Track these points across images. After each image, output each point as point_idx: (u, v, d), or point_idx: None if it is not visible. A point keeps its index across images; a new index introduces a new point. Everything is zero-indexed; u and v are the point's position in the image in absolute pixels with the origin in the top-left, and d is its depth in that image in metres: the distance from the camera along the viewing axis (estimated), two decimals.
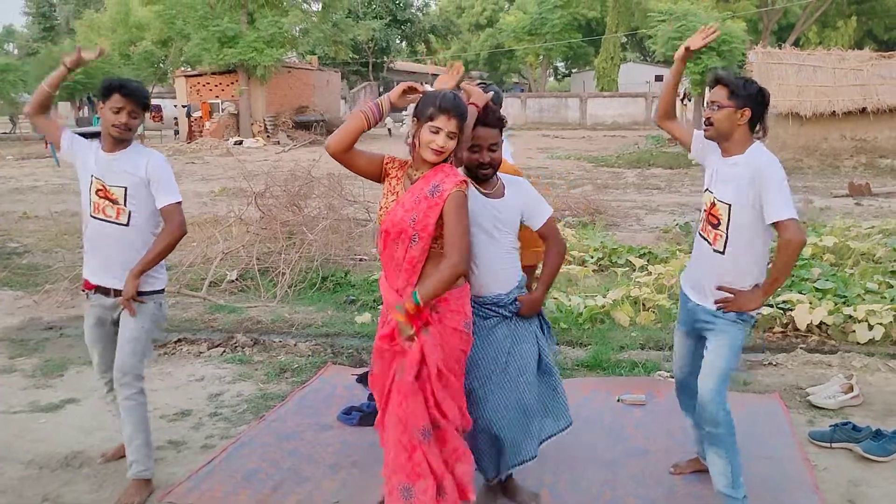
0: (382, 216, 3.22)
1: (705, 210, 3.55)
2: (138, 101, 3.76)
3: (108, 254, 3.86)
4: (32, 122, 4.04)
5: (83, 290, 4.03)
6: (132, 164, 3.82)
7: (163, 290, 4.02)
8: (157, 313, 3.97)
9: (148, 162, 3.83)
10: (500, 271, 3.49)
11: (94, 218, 3.86)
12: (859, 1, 42.40)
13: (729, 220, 3.39)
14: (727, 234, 3.41)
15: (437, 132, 3.08)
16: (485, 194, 3.44)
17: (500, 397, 3.43)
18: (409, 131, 3.20)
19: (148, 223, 3.88)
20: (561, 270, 3.82)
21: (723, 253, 3.44)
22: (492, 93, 3.58)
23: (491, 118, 3.41)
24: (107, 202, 3.82)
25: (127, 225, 3.83)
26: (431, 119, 3.07)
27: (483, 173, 3.42)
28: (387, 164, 3.30)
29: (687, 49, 3.66)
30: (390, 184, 3.27)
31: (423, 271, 3.14)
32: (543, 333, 3.64)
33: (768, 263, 3.49)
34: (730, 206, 3.39)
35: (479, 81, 4.53)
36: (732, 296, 3.39)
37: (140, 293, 3.83)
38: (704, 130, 3.47)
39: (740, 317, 3.44)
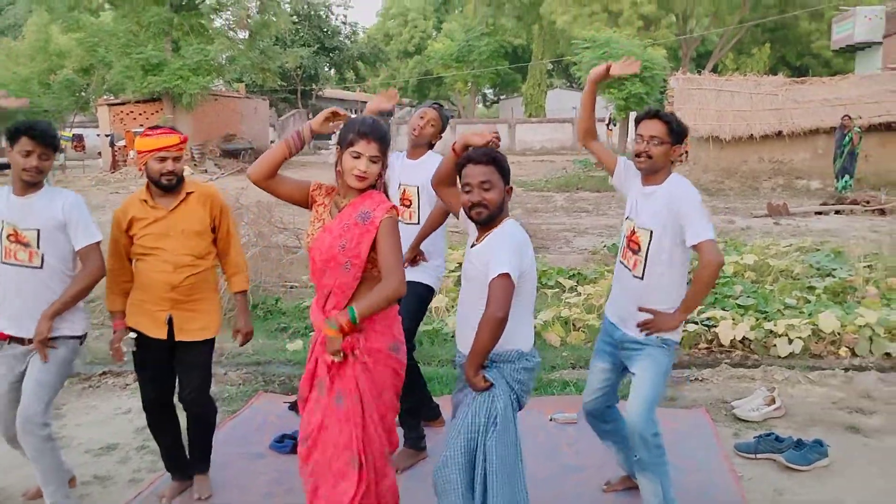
0: (310, 243, 3.21)
1: (626, 237, 3.65)
2: (48, 142, 3.64)
3: (23, 300, 3.70)
4: None
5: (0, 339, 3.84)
6: (46, 207, 3.69)
7: (81, 336, 3.84)
8: (68, 359, 3.77)
9: (64, 203, 3.72)
10: (461, 324, 3.29)
11: (6, 264, 3.71)
12: (772, 29, 44.05)
13: (649, 245, 3.51)
14: (646, 260, 3.52)
15: (357, 157, 3.08)
16: (473, 243, 3.27)
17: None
18: (334, 159, 3.20)
19: (63, 265, 3.75)
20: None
21: (641, 278, 3.54)
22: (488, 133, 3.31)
23: (477, 154, 3.16)
24: (18, 246, 3.67)
25: (41, 268, 3.69)
26: (352, 144, 3.08)
27: (475, 213, 3.15)
28: (313, 191, 3.29)
29: (607, 69, 3.71)
30: (317, 211, 3.26)
31: (354, 296, 3.12)
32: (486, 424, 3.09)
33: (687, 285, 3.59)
34: (651, 231, 3.50)
35: (432, 103, 4.56)
36: (652, 317, 3.46)
37: (53, 338, 3.67)
38: (639, 162, 3.55)
39: (665, 342, 3.52)
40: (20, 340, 3.73)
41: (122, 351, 3.92)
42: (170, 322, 3.88)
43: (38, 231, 3.67)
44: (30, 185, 3.69)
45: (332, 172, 3.24)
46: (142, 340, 3.94)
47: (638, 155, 3.53)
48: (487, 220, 3.17)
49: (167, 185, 3.82)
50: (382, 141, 3.12)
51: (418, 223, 4.40)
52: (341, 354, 3.04)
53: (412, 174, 4.45)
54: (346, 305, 3.09)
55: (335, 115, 3.24)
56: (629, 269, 3.62)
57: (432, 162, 4.38)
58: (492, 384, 3.11)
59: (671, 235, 3.46)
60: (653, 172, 3.56)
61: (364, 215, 3.10)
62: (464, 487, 3.09)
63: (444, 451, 3.17)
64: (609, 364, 3.78)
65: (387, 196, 3.24)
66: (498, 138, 3.25)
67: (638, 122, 3.61)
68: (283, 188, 3.26)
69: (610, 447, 4.00)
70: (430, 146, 4.54)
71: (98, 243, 3.77)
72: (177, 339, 3.89)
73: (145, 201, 3.87)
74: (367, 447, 3.14)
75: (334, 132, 3.28)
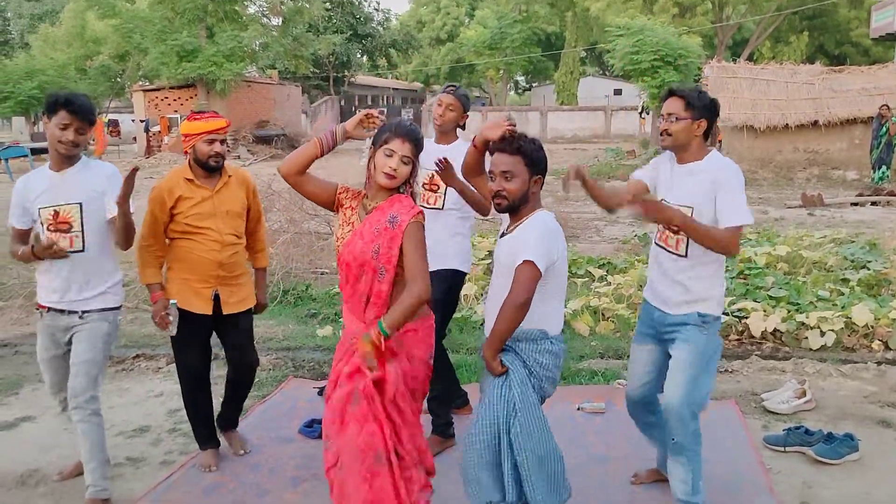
0: (340, 248, 3.22)
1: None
2: (85, 117, 3.70)
3: (68, 279, 3.79)
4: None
5: (37, 309, 3.96)
6: (87, 178, 3.79)
7: (118, 307, 3.99)
8: (111, 333, 3.93)
9: (105, 173, 3.84)
10: (488, 312, 3.29)
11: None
12: (811, 17, 43.38)
13: None
14: (689, 238, 3.47)
15: (391, 155, 3.11)
16: (503, 233, 3.30)
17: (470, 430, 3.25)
18: (366, 159, 3.22)
19: (103, 239, 3.84)
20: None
21: (685, 256, 3.50)
22: (507, 120, 3.34)
23: (505, 143, 3.19)
24: (58, 234, 3.74)
25: (83, 250, 3.78)
26: (387, 142, 3.12)
27: (496, 202, 3.20)
28: (340, 193, 3.30)
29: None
30: (345, 214, 3.27)
31: (390, 302, 3.13)
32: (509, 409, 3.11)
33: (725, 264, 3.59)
34: (692, 209, 3.43)
35: (447, 86, 4.54)
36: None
37: (91, 311, 3.82)
38: (662, 140, 3.55)
39: (705, 320, 3.49)
40: (60, 311, 3.83)
41: (168, 319, 4.04)
42: (216, 298, 4.08)
43: (81, 204, 3.75)
44: (65, 158, 3.77)
45: (362, 161, 3.26)
46: (185, 317, 4.07)
47: (661, 133, 3.55)
48: (507, 210, 3.20)
49: (214, 167, 4.03)
50: (416, 144, 3.16)
51: (443, 208, 4.39)
52: (377, 370, 3.02)
53: None
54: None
55: (369, 117, 3.26)
56: (670, 251, 3.56)
57: (460, 149, 4.34)
58: (507, 369, 3.13)
59: (712, 210, 3.42)
60: (681, 150, 3.53)
61: (393, 219, 3.11)
62: (490, 478, 3.12)
63: (468, 440, 3.19)
64: (652, 344, 3.72)
65: (414, 202, 3.25)
66: (512, 125, 3.25)
67: (662, 101, 3.61)
68: (310, 187, 3.27)
69: (650, 440, 3.97)
70: (461, 127, 4.53)
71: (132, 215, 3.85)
72: (224, 312, 4.11)
73: (191, 181, 4.01)
74: (400, 442, 3.12)
75: (367, 137, 3.28)
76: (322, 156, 3.26)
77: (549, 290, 3.15)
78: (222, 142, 4.04)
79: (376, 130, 3.21)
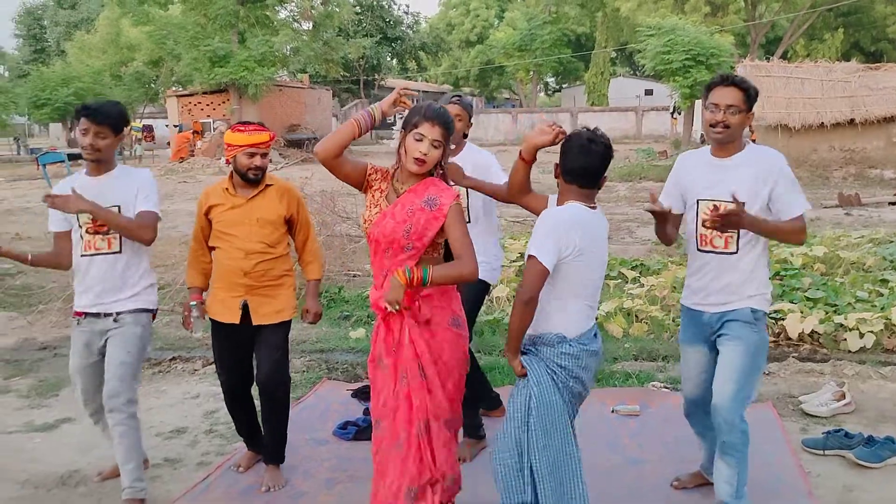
0: (368, 228, 3.25)
1: (705, 219, 3.45)
2: (100, 121, 3.75)
3: (104, 283, 3.86)
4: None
5: (73, 317, 4.02)
6: (123, 183, 3.86)
7: (151, 311, 4.02)
8: (144, 336, 3.95)
9: (140, 177, 3.93)
10: None
11: (86, 256, 3.86)
12: (846, 13, 42.77)
13: None
14: (739, 233, 3.41)
15: (420, 139, 3.11)
16: None
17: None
18: (397, 142, 3.24)
19: (141, 245, 3.90)
20: None
21: (736, 252, 3.44)
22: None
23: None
24: (97, 237, 3.82)
25: (120, 252, 3.85)
26: (416, 126, 3.11)
27: None
28: (370, 174, 3.33)
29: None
30: (373, 196, 3.30)
31: None
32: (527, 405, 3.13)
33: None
34: (743, 204, 3.29)
35: (451, 97, 4.51)
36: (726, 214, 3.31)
37: (124, 312, 3.87)
38: (715, 133, 3.41)
39: (756, 317, 3.45)
40: (96, 315, 3.89)
41: (189, 320, 4.17)
42: (245, 308, 4.02)
43: (119, 207, 3.81)
44: (96, 163, 3.84)
45: (392, 144, 3.28)
46: (218, 330, 4.09)
47: (713, 125, 3.40)
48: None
49: (253, 179, 4.01)
50: (446, 127, 3.14)
51: (469, 221, 4.30)
52: (397, 306, 3.05)
53: None
54: None
55: (402, 98, 3.27)
56: (718, 252, 3.46)
57: (471, 155, 4.35)
58: (527, 372, 3.14)
59: (761, 202, 3.38)
60: (728, 142, 3.44)
61: (431, 201, 3.14)
62: (516, 480, 3.12)
63: (497, 441, 3.21)
64: (702, 346, 3.64)
65: (446, 183, 3.26)
66: (563, 131, 3.23)
67: (710, 88, 3.45)
68: (346, 168, 3.29)
69: (702, 441, 3.89)
70: (465, 136, 4.51)
71: (156, 215, 3.89)
72: (254, 323, 4.03)
73: (227, 189, 4.07)
74: (436, 413, 3.19)
75: (400, 116, 3.30)
76: (360, 136, 3.28)
77: (563, 288, 3.10)
78: (264, 155, 4.00)
79: (407, 111, 3.22)
